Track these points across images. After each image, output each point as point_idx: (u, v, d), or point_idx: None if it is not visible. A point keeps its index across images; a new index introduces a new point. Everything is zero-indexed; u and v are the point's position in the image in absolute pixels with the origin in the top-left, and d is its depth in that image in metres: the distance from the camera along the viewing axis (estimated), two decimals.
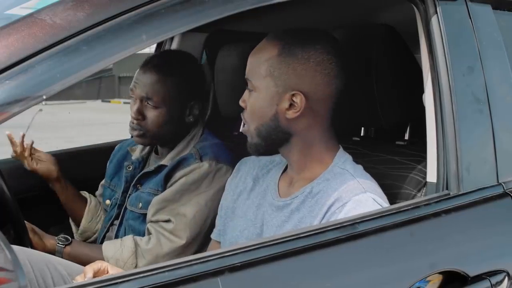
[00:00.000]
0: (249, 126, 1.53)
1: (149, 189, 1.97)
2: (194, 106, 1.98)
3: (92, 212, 2.20)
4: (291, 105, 1.47)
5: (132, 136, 2.02)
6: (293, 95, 1.46)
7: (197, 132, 2.03)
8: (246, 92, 1.53)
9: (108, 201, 2.16)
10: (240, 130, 1.59)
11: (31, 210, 2.13)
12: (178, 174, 1.92)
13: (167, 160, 1.98)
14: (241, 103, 1.55)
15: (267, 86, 1.48)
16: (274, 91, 1.47)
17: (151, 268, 1.10)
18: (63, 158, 2.64)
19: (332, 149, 1.55)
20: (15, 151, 2.13)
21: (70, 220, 2.24)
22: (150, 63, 1.97)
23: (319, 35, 1.51)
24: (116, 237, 2.03)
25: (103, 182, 2.23)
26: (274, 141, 1.52)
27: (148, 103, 1.94)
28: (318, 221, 1.44)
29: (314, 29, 1.53)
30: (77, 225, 2.22)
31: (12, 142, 2.12)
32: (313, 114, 1.49)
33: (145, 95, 1.94)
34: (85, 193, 2.24)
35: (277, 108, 1.48)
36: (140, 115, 1.94)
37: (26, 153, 2.12)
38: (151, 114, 1.94)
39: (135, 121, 1.95)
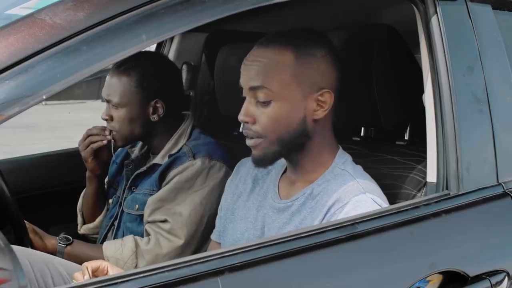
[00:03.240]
0: (267, 137, 1.46)
1: (145, 190, 1.98)
2: (157, 105, 1.98)
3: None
4: (318, 105, 1.46)
5: None
6: (321, 94, 1.45)
7: (186, 128, 2.03)
8: (252, 106, 1.46)
9: (110, 200, 2.16)
10: (248, 144, 1.51)
11: (31, 210, 2.13)
12: (172, 173, 1.92)
13: (159, 159, 2.00)
14: (246, 118, 1.47)
15: (292, 92, 1.44)
16: (300, 96, 1.44)
17: (151, 268, 1.10)
18: (63, 158, 2.65)
19: (332, 150, 1.54)
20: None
21: (78, 213, 2.20)
22: (114, 66, 2.01)
23: (314, 31, 1.51)
24: (115, 238, 2.02)
25: (106, 179, 2.23)
26: (291, 147, 1.49)
27: (111, 104, 1.98)
28: (318, 222, 1.44)
29: (305, 27, 1.52)
30: (86, 216, 2.19)
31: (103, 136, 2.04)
32: (331, 110, 1.48)
33: (106, 97, 1.99)
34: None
35: (305, 112, 1.46)
36: (107, 116, 2.00)
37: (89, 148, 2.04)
38: (115, 115, 1.98)
39: (107, 123, 2.01)
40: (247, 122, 1.47)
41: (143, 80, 1.97)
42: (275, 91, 1.44)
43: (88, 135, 2.04)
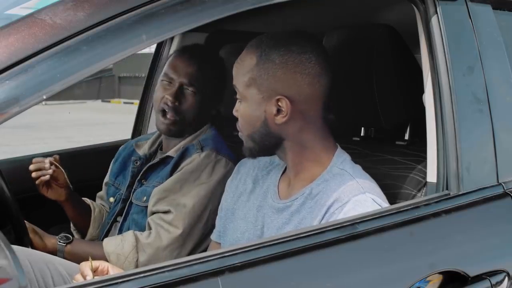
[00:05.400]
0: (242, 133, 1.55)
1: (155, 182, 1.99)
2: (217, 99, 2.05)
3: (98, 219, 2.18)
4: (278, 111, 1.47)
5: (157, 126, 2.03)
6: (278, 100, 1.46)
7: (205, 128, 2.06)
8: (237, 102, 1.55)
9: (112, 199, 2.16)
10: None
11: (31, 210, 2.13)
12: (181, 165, 1.95)
13: (172, 152, 2.01)
14: (234, 113, 1.56)
15: (252, 94, 1.49)
16: (259, 99, 1.48)
17: (151, 268, 1.10)
18: (63, 158, 2.64)
19: (329, 149, 1.54)
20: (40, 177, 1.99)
21: (72, 229, 2.20)
22: (189, 52, 2.03)
23: (293, 36, 1.51)
24: (120, 232, 2.02)
25: (107, 180, 2.23)
26: (267, 146, 1.53)
27: (188, 88, 1.98)
28: (317, 222, 1.44)
29: (290, 31, 1.53)
30: (80, 232, 2.19)
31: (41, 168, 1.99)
32: (302, 116, 1.49)
33: (187, 81, 1.98)
34: (87, 200, 2.21)
35: (265, 115, 1.48)
36: (177, 99, 1.97)
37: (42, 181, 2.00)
38: (189, 100, 1.98)
39: (170, 104, 1.97)
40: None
41: (220, 74, 2.05)
42: (240, 91, 1.52)
43: (33, 170, 1.98)
